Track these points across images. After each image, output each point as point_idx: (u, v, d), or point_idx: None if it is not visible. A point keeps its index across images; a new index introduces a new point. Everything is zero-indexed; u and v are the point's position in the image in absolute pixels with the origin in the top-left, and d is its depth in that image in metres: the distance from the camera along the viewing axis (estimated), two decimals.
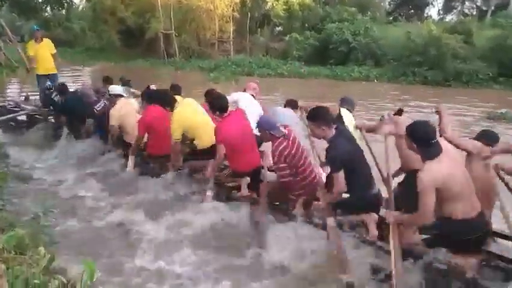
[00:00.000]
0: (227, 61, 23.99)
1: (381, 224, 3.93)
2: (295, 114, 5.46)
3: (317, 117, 3.99)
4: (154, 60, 26.02)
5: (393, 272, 3.27)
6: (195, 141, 5.39)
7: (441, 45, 18.93)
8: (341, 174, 3.83)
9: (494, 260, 3.67)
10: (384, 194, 4.05)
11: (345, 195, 3.99)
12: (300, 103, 5.46)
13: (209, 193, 4.92)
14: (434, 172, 3.17)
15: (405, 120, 4.37)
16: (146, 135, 5.85)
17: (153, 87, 7.05)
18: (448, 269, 3.37)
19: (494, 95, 16.25)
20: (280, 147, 4.30)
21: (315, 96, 13.46)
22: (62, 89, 7.60)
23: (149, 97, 5.99)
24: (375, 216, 3.93)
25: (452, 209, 3.23)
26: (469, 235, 3.28)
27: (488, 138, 3.84)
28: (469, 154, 3.74)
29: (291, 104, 5.62)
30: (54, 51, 9.07)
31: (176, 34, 25.80)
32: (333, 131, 3.96)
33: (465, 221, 3.24)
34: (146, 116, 5.76)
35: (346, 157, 3.83)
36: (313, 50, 23.87)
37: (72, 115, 7.31)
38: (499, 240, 3.96)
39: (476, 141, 3.83)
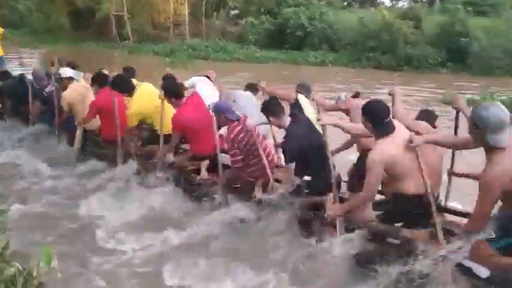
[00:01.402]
0: (183, 45, 23.59)
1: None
2: (254, 97, 5.51)
3: (268, 109, 4.12)
4: (105, 44, 25.11)
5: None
6: (155, 127, 5.34)
7: (394, 31, 19.43)
8: (293, 165, 3.97)
9: (444, 234, 3.89)
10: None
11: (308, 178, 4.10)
12: (262, 84, 5.50)
13: (159, 174, 4.94)
14: (384, 150, 3.32)
15: (361, 101, 4.52)
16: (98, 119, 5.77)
17: (104, 71, 6.85)
18: (400, 243, 3.54)
19: (443, 79, 16.92)
20: (234, 132, 4.36)
21: (271, 80, 13.53)
22: (3, 73, 7.41)
23: (102, 81, 5.84)
24: (331, 197, 4.05)
25: (403, 186, 3.39)
26: (419, 210, 3.46)
27: (431, 117, 4.05)
28: (418, 134, 3.92)
29: (251, 87, 5.66)
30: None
31: (129, 16, 24.99)
32: (288, 120, 4.09)
33: (415, 197, 3.41)
34: (98, 100, 5.65)
35: (303, 144, 3.94)
36: (269, 35, 23.85)
37: (15, 99, 7.08)
38: (446, 214, 4.19)
39: (424, 122, 4.02)
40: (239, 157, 4.40)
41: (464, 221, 4.03)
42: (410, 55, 19.08)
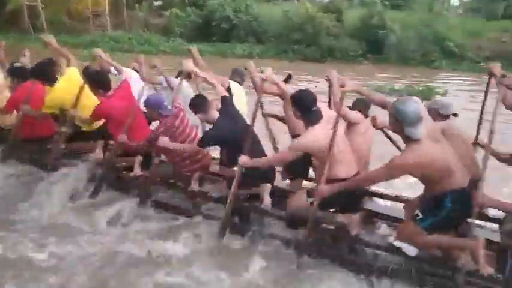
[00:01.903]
0: (104, 37, 22.56)
1: (274, 193, 4.14)
2: (188, 84, 5.40)
3: (195, 106, 4.10)
4: (18, 36, 23.32)
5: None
6: (77, 122, 5.06)
7: (316, 24, 20.08)
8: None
9: (372, 217, 4.12)
10: None
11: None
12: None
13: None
14: (311, 137, 3.44)
15: (290, 88, 4.61)
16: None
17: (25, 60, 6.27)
18: (335, 228, 3.68)
19: (364, 69, 17.78)
20: (169, 124, 4.28)
21: None
22: None
23: (22, 75, 5.42)
24: (268, 186, 4.11)
25: (335, 171, 3.52)
26: (350, 195, 3.61)
27: (364, 106, 4.23)
28: (350, 122, 4.08)
29: (185, 74, 5.51)
30: None
31: (43, 6, 23.43)
32: (216, 114, 4.09)
33: (344, 181, 3.53)
34: (16, 93, 5.28)
35: (229, 136, 3.97)
36: (195, 27, 23.56)
37: None
38: (375, 198, 4.42)
39: (356, 112, 4.20)
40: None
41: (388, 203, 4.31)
42: (332, 47, 19.81)
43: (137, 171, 4.65)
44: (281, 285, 3.41)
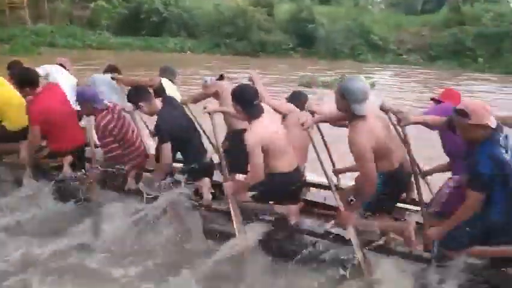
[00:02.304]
0: (24, 30, 21.16)
1: (215, 188, 4.12)
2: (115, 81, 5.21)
3: (136, 96, 3.96)
4: None
5: (237, 233, 3.56)
6: (2, 123, 4.72)
7: (248, 18, 20.21)
8: (168, 146, 3.86)
9: (311, 207, 4.23)
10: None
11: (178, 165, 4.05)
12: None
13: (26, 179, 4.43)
14: (259, 132, 3.45)
15: (228, 84, 4.61)
16: None
17: None
18: (274, 219, 3.74)
19: (296, 63, 18.16)
20: (105, 121, 4.11)
21: (128, 67, 13.00)
22: None
23: None
24: (207, 181, 4.09)
25: (275, 165, 3.57)
26: (290, 187, 3.68)
27: (301, 98, 4.33)
28: (285, 116, 4.15)
29: (112, 69, 5.32)
30: None
31: None
32: (159, 104, 3.98)
33: (286, 175, 3.61)
34: None
35: (176, 128, 3.88)
36: (123, 20, 22.74)
37: None
38: (312, 189, 4.54)
39: (290, 104, 4.27)
40: (115, 144, 4.15)
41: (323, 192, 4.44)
42: (264, 41, 20.02)
43: (67, 170, 4.41)
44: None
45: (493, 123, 2.85)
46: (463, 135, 2.97)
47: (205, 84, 4.72)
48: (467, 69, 17.23)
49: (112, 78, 5.18)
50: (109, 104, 4.20)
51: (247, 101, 3.53)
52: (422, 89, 13.52)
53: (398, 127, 3.30)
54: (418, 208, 3.57)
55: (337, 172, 4.25)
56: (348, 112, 3.21)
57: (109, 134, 4.10)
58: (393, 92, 12.63)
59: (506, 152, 2.85)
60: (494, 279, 3.09)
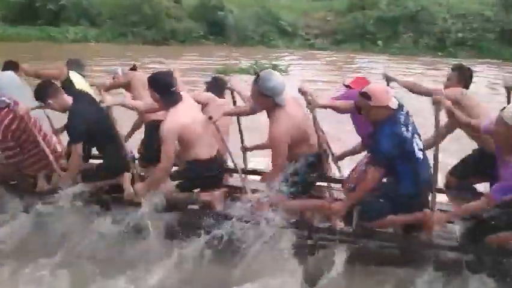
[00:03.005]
0: None
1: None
2: (17, 77, 4.78)
3: (43, 92, 3.74)
4: None
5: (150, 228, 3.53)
6: None
7: (154, 5, 19.55)
8: (78, 147, 3.71)
9: (233, 192, 4.26)
10: None
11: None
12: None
13: None
14: (176, 120, 3.40)
15: (141, 74, 4.46)
16: None
17: None
18: (200, 207, 3.73)
19: (208, 51, 18.00)
20: (6, 121, 3.78)
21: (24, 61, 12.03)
22: None
23: None
24: (128, 175, 3.95)
25: (196, 152, 3.54)
26: (212, 173, 3.68)
27: (220, 85, 4.32)
28: (205, 103, 4.12)
29: (11, 65, 4.86)
30: None
31: None
32: (68, 99, 3.75)
33: (207, 161, 3.61)
34: None
35: (92, 124, 3.70)
36: (19, 8, 20.79)
37: None
38: (235, 175, 4.57)
39: (208, 94, 4.26)
40: (15, 150, 3.83)
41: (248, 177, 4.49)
42: (174, 29, 19.57)
43: None
44: None
45: (393, 104, 3.09)
46: (366, 117, 3.19)
47: (116, 75, 4.52)
48: (369, 51, 18.37)
49: (16, 66, 4.72)
50: (10, 102, 3.84)
51: (164, 88, 3.45)
52: (329, 71, 14.16)
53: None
54: (337, 185, 3.75)
55: (245, 149, 4.38)
56: (269, 106, 3.31)
57: (10, 136, 3.78)
58: (304, 75, 13.07)
59: (407, 129, 3.11)
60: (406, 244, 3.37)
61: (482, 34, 18.38)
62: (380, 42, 19.05)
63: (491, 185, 3.52)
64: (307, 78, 12.01)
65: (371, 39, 19.29)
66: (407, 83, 3.92)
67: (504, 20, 18.32)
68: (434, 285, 3.17)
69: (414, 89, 3.78)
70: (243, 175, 3.71)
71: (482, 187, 3.71)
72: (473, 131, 3.45)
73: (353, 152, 4.15)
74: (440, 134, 3.37)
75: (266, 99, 3.28)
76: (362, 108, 3.18)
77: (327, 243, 3.44)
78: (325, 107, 3.42)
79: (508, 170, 2.94)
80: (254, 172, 4.41)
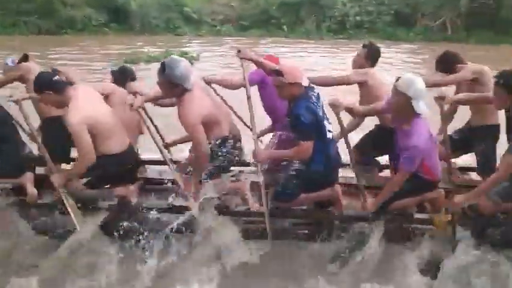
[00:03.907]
0: None
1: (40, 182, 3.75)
2: None
3: None
4: None
5: (77, 227, 3.35)
6: None
7: None
8: None
9: (149, 183, 4.17)
10: None
11: None
12: None
13: None
14: (80, 111, 3.22)
15: (34, 65, 4.16)
16: None
17: None
18: (117, 202, 3.60)
19: (110, 40, 17.20)
20: None
21: None
22: None
23: None
24: (30, 176, 3.69)
25: (105, 146, 3.39)
26: (124, 167, 3.56)
27: (127, 75, 4.15)
28: (109, 96, 3.93)
29: None
30: None
31: None
32: None
33: (120, 155, 3.48)
34: None
35: None
36: None
37: None
38: (150, 166, 4.46)
39: (111, 85, 4.06)
40: None
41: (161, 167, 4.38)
42: (72, 17, 18.40)
43: None
44: None
45: (305, 82, 3.22)
46: (280, 94, 3.28)
47: (6, 67, 4.17)
48: (275, 36, 18.80)
49: None
50: None
51: (48, 83, 3.28)
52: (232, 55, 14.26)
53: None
54: (252, 168, 3.82)
55: (168, 146, 4.28)
56: (177, 93, 3.25)
57: None
58: (216, 61, 13.05)
59: (318, 107, 3.26)
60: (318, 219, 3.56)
61: (378, 17, 19.64)
62: (284, 27, 19.56)
63: (390, 158, 3.83)
64: (218, 64, 12.01)
65: (276, 24, 19.73)
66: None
67: (396, 3, 19.72)
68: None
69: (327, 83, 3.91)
70: (172, 165, 3.60)
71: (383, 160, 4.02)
72: (376, 114, 3.71)
73: (266, 132, 4.24)
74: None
75: (176, 88, 3.23)
76: (276, 85, 3.26)
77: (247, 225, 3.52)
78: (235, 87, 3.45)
79: (406, 138, 3.16)
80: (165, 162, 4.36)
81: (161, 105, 4.00)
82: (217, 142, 3.37)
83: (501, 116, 3.54)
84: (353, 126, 4.10)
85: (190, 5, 19.93)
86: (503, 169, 3.08)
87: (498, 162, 3.55)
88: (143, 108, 3.94)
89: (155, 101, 3.83)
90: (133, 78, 4.18)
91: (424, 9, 19.46)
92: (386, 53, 14.03)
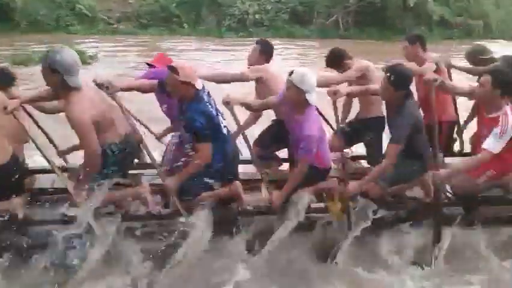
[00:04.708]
0: None
1: None
2: None
3: None
4: None
5: None
6: None
7: None
8: None
9: (39, 195, 3.86)
10: None
11: None
12: None
13: None
14: None
15: None
16: None
17: None
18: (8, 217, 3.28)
19: None
20: None
21: None
22: None
23: None
24: None
25: None
26: (9, 179, 3.27)
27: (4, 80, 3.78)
28: None
29: None
30: None
31: None
32: None
33: (1, 167, 3.22)
34: None
35: None
36: None
37: None
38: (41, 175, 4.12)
39: None
40: None
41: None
42: None
43: None
44: None
45: (199, 85, 3.20)
46: (173, 93, 3.22)
47: None
48: (177, 34, 18.51)
49: None
50: None
51: None
52: (140, 56, 13.78)
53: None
54: (153, 171, 3.72)
55: (62, 154, 4.02)
56: (61, 86, 3.02)
57: None
58: (116, 61, 12.49)
59: (212, 106, 3.26)
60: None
61: (276, 15, 20.19)
62: (185, 25, 19.34)
63: (288, 151, 3.96)
64: (115, 66, 11.52)
65: (177, 22, 19.42)
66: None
67: (292, 1, 20.44)
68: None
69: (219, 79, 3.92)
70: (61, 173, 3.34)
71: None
72: (272, 108, 3.80)
73: (166, 133, 4.16)
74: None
75: (55, 76, 2.97)
76: (169, 83, 3.17)
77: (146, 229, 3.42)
78: (123, 89, 3.29)
79: (300, 129, 3.29)
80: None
81: (44, 111, 3.73)
82: (111, 146, 3.20)
83: None
84: (251, 121, 4.17)
85: (83, 3, 18.74)
86: (388, 157, 3.34)
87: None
88: (29, 114, 3.67)
89: (33, 103, 3.56)
90: (9, 82, 3.80)
91: (318, 7, 20.40)
92: (283, 49, 14.59)
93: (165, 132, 4.21)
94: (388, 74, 3.31)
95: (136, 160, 3.81)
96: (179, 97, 3.23)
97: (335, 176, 3.72)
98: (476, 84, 3.64)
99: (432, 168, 3.42)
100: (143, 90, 3.50)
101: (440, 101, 3.85)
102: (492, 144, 3.25)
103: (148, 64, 3.96)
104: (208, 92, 3.32)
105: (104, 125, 3.15)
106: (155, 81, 3.43)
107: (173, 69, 3.13)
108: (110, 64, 11.97)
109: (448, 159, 4.21)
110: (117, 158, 3.23)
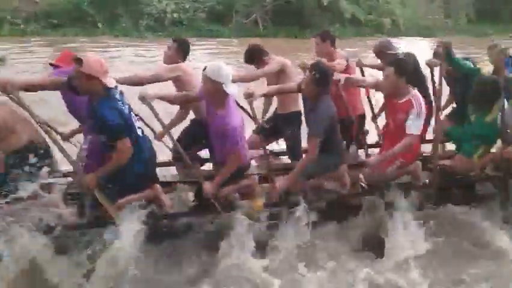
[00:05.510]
0: None
1: None
2: None
3: None
4: None
5: None
6: None
7: None
8: None
9: None
10: None
11: None
12: None
13: None
14: None
15: None
16: None
17: None
18: None
19: None
20: None
21: None
22: None
23: None
24: None
25: None
26: None
27: None
28: None
29: None
30: None
31: None
32: None
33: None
34: None
35: None
36: None
37: None
38: None
39: None
40: None
41: None
42: None
43: None
44: None
45: (110, 84, 3.08)
46: (80, 88, 3.07)
47: None
48: (91, 34, 17.64)
49: None
50: None
51: None
52: (50, 56, 12.97)
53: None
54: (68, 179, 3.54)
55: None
56: None
57: None
58: (19, 65, 11.62)
59: (124, 105, 3.16)
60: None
61: (194, 14, 19.98)
62: (100, 25, 18.51)
63: (209, 150, 3.94)
64: (21, 69, 10.73)
65: (90, 21, 18.51)
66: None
67: (211, 0, 20.34)
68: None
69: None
70: None
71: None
72: (192, 101, 3.76)
73: (75, 133, 3.95)
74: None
75: None
76: (74, 76, 3.02)
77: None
78: (22, 89, 3.08)
79: (223, 123, 3.29)
80: None
81: None
82: (15, 154, 3.00)
83: None
84: (177, 120, 4.08)
85: None
86: (310, 150, 3.46)
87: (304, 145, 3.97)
88: None
89: None
90: None
91: (237, 6, 20.51)
92: (200, 49, 14.45)
93: (72, 133, 3.97)
94: (313, 72, 3.42)
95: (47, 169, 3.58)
96: (88, 93, 3.08)
97: (257, 173, 3.76)
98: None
99: (349, 160, 3.59)
100: (49, 87, 3.29)
101: (350, 97, 4.08)
102: (413, 127, 3.57)
103: (51, 65, 3.69)
104: (121, 92, 3.20)
105: (4, 130, 2.97)
106: (60, 78, 3.23)
107: (77, 61, 2.98)
108: (19, 67, 11.13)
109: (360, 151, 4.44)
110: (21, 167, 3.05)
